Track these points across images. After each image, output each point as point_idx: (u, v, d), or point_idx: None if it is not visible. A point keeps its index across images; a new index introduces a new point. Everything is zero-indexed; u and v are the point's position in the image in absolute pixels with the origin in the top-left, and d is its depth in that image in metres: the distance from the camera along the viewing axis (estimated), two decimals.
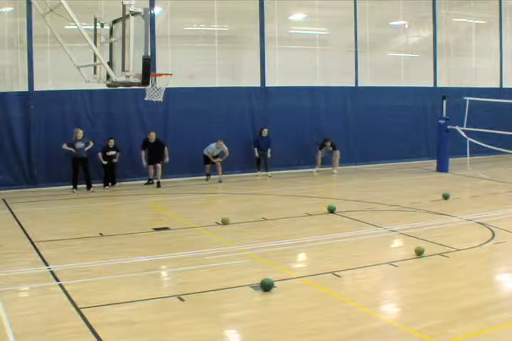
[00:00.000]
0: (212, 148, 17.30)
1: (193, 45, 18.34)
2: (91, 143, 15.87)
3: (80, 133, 15.63)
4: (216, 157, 17.42)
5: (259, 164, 18.47)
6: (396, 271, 8.64)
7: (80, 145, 15.60)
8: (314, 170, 18.89)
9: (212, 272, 8.58)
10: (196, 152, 17.33)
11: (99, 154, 16.16)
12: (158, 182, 16.52)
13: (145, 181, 16.96)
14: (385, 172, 19.12)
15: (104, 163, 16.16)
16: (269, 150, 18.20)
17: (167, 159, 16.63)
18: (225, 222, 11.75)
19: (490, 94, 20.87)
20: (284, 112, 18.92)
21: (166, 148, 16.60)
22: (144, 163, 16.58)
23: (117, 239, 10.65)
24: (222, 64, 18.69)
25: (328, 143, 18.61)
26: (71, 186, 15.71)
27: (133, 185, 16.77)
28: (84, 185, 15.83)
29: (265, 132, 18.26)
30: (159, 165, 16.56)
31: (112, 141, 16.22)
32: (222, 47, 18.57)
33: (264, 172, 18.44)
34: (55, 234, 10.89)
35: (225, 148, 17.26)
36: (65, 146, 15.56)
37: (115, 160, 16.35)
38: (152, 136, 16.51)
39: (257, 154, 18.27)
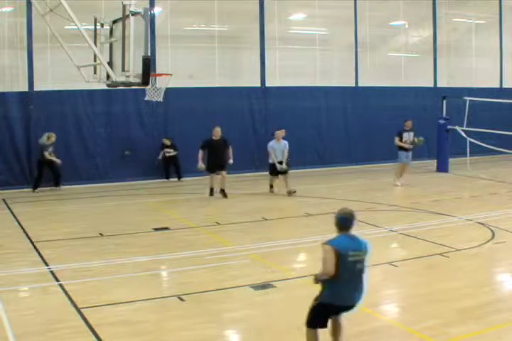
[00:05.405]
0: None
1: (193, 45, 18.35)
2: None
3: (54, 137, 15.59)
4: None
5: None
6: (396, 271, 8.64)
7: (51, 149, 15.62)
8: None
9: (212, 272, 8.58)
10: (196, 152, 17.28)
11: (162, 152, 17.23)
12: None
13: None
14: (385, 172, 19.08)
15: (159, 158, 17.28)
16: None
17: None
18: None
19: (490, 94, 20.87)
20: (284, 112, 18.88)
21: None
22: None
23: (117, 239, 10.65)
24: (222, 64, 18.68)
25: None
26: (32, 188, 15.64)
27: (133, 185, 16.77)
28: (84, 185, 15.96)
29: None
30: None
31: (167, 140, 17.28)
32: (222, 47, 18.57)
33: None
34: (55, 234, 10.90)
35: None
36: (46, 154, 15.46)
37: (174, 153, 17.39)
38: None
39: None
